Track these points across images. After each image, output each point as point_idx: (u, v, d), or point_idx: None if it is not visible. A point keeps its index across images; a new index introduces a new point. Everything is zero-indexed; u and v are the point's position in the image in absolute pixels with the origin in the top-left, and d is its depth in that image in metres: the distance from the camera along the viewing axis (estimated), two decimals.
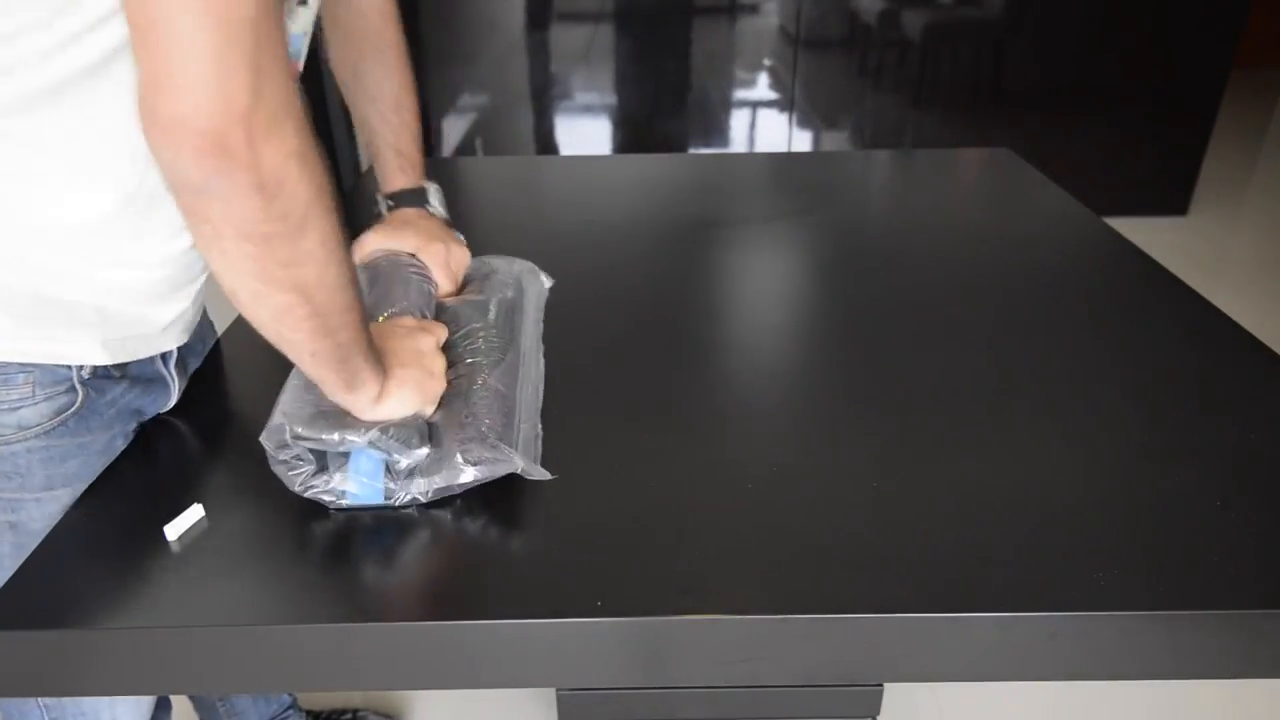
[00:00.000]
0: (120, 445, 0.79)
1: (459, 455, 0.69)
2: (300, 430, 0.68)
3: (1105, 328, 0.98)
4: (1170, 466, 0.75)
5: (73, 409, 0.73)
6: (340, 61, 0.96)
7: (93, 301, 0.71)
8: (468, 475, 0.69)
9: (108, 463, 0.77)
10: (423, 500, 0.70)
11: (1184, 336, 0.95)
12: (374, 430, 0.68)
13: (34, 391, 0.71)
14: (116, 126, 0.64)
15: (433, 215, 0.98)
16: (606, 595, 0.63)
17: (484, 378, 0.77)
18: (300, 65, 0.78)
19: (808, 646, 0.63)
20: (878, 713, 0.76)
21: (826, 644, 0.63)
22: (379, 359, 0.69)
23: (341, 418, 0.69)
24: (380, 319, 0.79)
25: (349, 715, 1.49)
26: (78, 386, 0.73)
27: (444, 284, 0.92)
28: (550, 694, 0.77)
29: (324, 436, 0.68)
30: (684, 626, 0.62)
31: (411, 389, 0.71)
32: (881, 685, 0.75)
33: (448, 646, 0.63)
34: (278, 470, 0.70)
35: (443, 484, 0.69)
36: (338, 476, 0.69)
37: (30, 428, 0.71)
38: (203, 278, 0.81)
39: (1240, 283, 2.93)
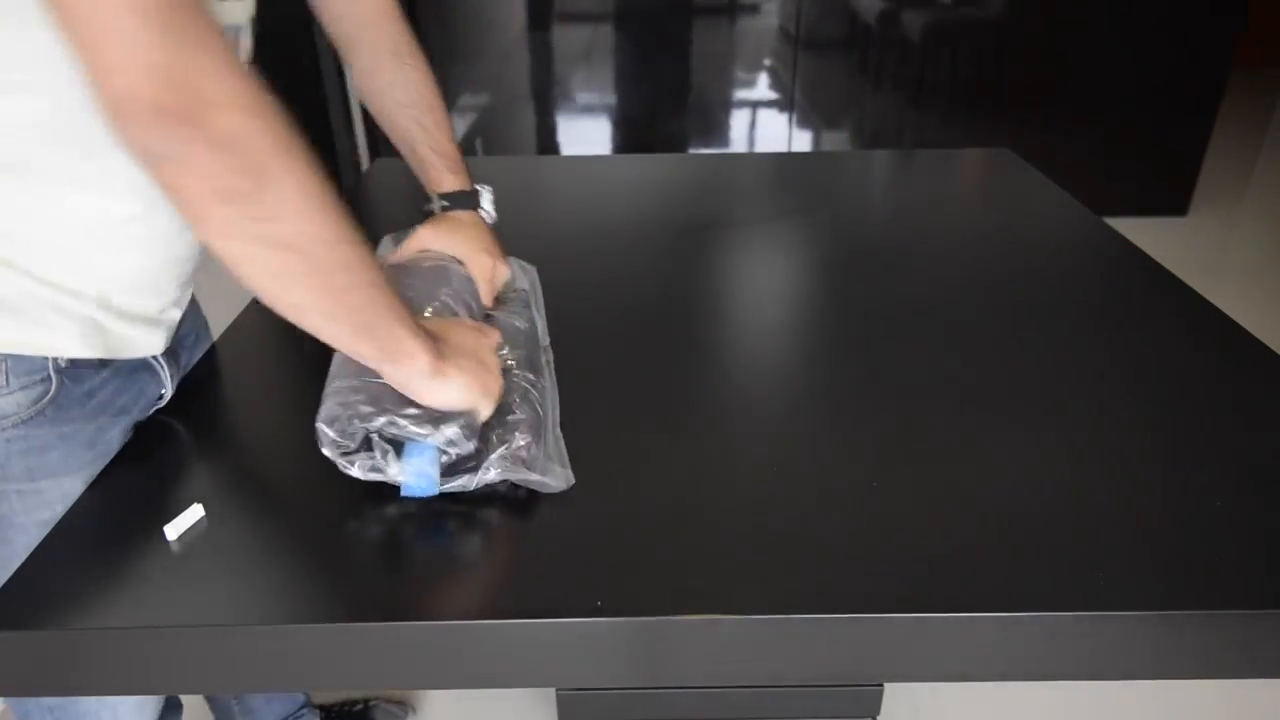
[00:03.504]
0: (110, 438, 0.78)
1: (494, 466, 0.71)
2: (388, 423, 0.68)
3: (1105, 328, 0.98)
4: (1170, 466, 0.75)
5: (48, 398, 0.73)
6: (362, 73, 0.96)
7: (81, 291, 0.72)
8: (499, 474, 0.71)
9: (95, 455, 0.77)
10: (470, 488, 0.71)
11: (1184, 336, 0.95)
12: (455, 424, 0.69)
13: (8, 381, 0.71)
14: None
15: (484, 221, 0.98)
16: (606, 595, 0.63)
17: (524, 388, 0.78)
18: (245, 52, 0.78)
19: (808, 646, 0.63)
20: (878, 713, 0.76)
21: (826, 644, 0.63)
22: (430, 337, 0.69)
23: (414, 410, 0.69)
24: (426, 313, 0.79)
25: (360, 705, 1.49)
26: (52, 375, 0.73)
27: (485, 298, 0.92)
28: (550, 694, 0.77)
29: (413, 429, 0.68)
30: (684, 626, 0.62)
31: (472, 378, 0.71)
32: (881, 685, 0.75)
33: (448, 646, 0.63)
34: (331, 440, 0.69)
35: (491, 478, 0.71)
36: (394, 469, 0.69)
37: (7, 417, 0.72)
38: (188, 289, 0.81)
39: (1240, 283, 2.93)
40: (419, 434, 0.68)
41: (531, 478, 0.71)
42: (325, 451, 0.70)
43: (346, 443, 0.69)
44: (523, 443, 0.72)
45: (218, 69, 0.54)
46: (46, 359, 0.72)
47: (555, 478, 0.72)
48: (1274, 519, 0.68)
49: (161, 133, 0.53)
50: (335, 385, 0.72)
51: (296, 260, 0.60)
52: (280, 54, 0.96)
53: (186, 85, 0.53)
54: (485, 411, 0.73)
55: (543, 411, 0.78)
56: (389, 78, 0.95)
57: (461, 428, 0.69)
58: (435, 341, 0.70)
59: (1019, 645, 0.62)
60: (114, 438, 0.79)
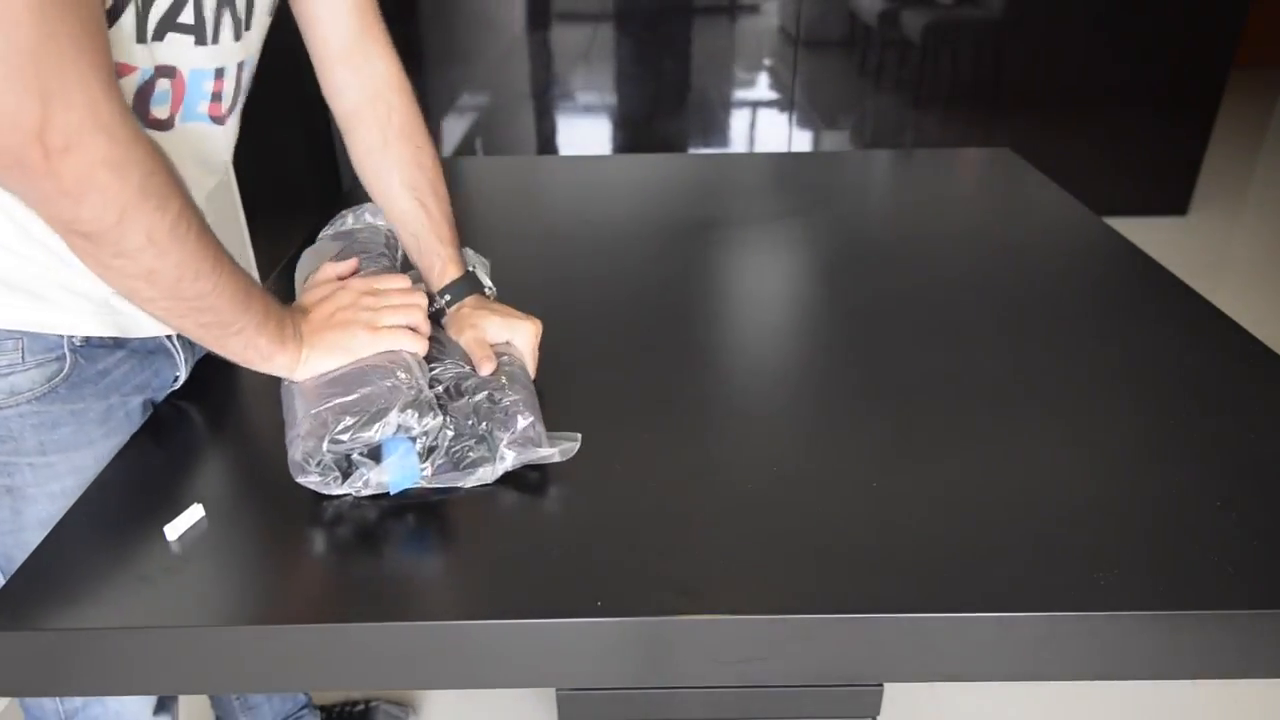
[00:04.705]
0: (122, 415, 0.80)
1: (507, 455, 0.73)
2: (330, 443, 0.68)
3: (1105, 328, 0.98)
4: (1170, 466, 0.75)
5: (61, 375, 0.75)
6: (365, 150, 0.91)
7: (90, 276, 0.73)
8: (515, 460, 0.73)
9: (107, 431, 0.79)
10: (489, 480, 0.73)
11: (1184, 336, 0.95)
12: (394, 408, 0.69)
13: (24, 358, 0.73)
14: None
15: (488, 298, 0.91)
16: (606, 595, 0.63)
17: (505, 368, 0.80)
18: (227, 92, 0.77)
19: (808, 646, 0.63)
20: (878, 713, 0.76)
21: (826, 644, 0.63)
22: (291, 329, 0.74)
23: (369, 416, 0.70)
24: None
25: (361, 706, 1.49)
26: (67, 354, 0.75)
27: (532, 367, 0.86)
28: (550, 694, 0.77)
29: (360, 435, 0.69)
30: (684, 626, 0.62)
31: (329, 347, 0.75)
32: (881, 685, 0.75)
33: (448, 646, 0.63)
34: (317, 483, 0.70)
35: (509, 465, 0.73)
36: (373, 475, 0.70)
37: (21, 393, 0.74)
38: None
39: (1240, 283, 2.93)
40: (367, 438, 0.69)
41: (546, 454, 0.73)
42: (329, 491, 0.70)
43: (333, 473, 0.69)
44: (526, 422, 0.73)
45: (87, 124, 0.55)
46: (61, 337, 0.75)
47: (566, 441, 0.75)
48: (1274, 519, 0.68)
49: (16, 177, 0.56)
50: (288, 435, 0.73)
51: (147, 288, 0.64)
52: (280, 56, 0.95)
53: (46, 140, 0.54)
54: (366, 351, 0.75)
55: (531, 385, 0.80)
56: (394, 157, 0.90)
57: (402, 408, 0.69)
58: (295, 334, 0.74)
59: (1019, 645, 0.62)
60: (126, 415, 0.81)
